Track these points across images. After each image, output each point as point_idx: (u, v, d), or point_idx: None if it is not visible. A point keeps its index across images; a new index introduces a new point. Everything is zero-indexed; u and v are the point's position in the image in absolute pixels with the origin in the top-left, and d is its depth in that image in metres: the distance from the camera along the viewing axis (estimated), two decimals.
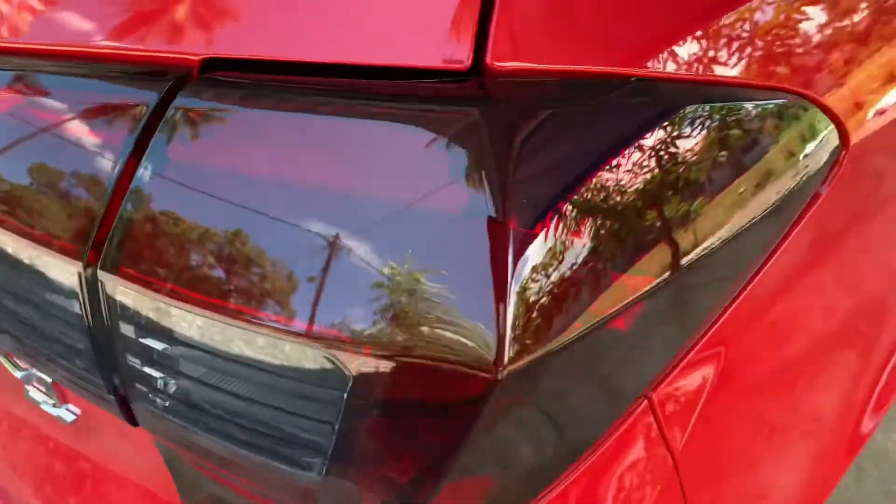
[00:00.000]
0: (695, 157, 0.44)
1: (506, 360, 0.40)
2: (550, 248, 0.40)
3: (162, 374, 0.48)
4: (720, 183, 0.46)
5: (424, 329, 0.40)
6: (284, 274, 0.42)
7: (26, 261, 0.50)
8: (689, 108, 0.44)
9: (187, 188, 0.43)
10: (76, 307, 0.49)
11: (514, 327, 0.39)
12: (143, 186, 0.44)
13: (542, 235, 0.40)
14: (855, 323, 0.79)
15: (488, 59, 0.40)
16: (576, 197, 0.40)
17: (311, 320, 0.41)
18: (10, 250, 0.50)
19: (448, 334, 0.40)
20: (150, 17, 0.46)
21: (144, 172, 0.44)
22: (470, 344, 0.40)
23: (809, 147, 0.53)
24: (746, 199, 0.49)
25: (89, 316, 0.48)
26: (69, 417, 0.68)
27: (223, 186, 0.42)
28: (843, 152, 0.56)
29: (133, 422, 0.55)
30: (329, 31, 0.43)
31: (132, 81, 0.45)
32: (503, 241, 0.39)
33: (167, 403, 0.49)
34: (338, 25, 0.43)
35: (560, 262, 0.41)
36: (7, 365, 0.67)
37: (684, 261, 0.46)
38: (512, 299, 0.39)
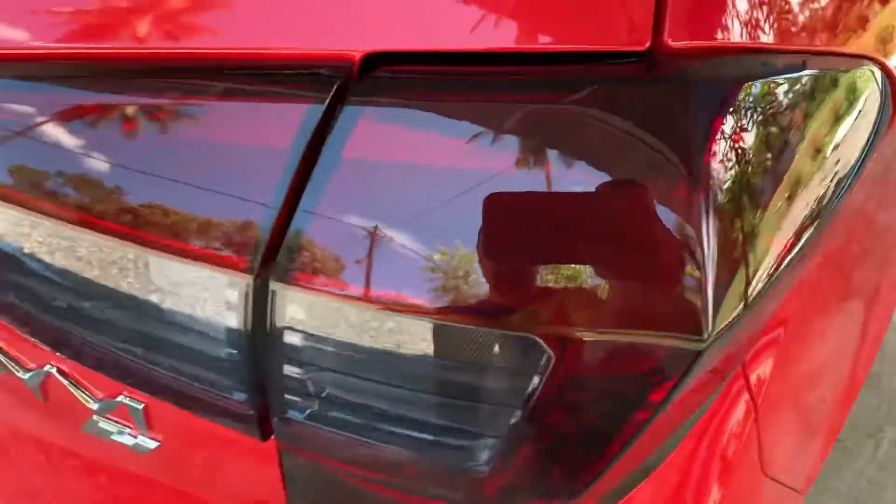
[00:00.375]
0: (835, 121, 0.48)
1: (710, 329, 0.41)
2: (736, 218, 0.42)
3: (331, 382, 0.47)
4: (848, 144, 0.50)
5: (624, 304, 0.42)
6: (476, 261, 0.42)
7: (176, 281, 0.47)
8: (819, 76, 0.48)
9: (366, 189, 0.42)
10: (235, 321, 0.47)
11: (713, 297, 0.41)
12: (319, 191, 0.42)
13: (729, 206, 0.42)
14: (866, 284, 0.87)
15: (665, 39, 0.42)
16: (756, 167, 0.43)
17: (510, 307, 0.42)
18: (159, 272, 0.48)
19: (649, 308, 0.42)
20: (302, 14, 0.44)
21: (319, 177, 0.42)
22: (673, 316, 0.41)
23: (879, 107, 0.57)
24: (849, 157, 0.53)
25: (250, 329, 0.46)
26: (151, 445, 0.64)
27: (410, 183, 0.42)
28: None
29: (265, 436, 0.53)
30: (496, 19, 0.43)
31: (290, 81, 0.44)
32: (696, 212, 0.40)
33: (331, 412, 0.48)
34: (505, 13, 0.43)
35: (744, 231, 0.43)
36: (81, 396, 0.63)
37: (818, 221, 0.50)
38: (710, 270, 0.41)
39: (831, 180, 0.49)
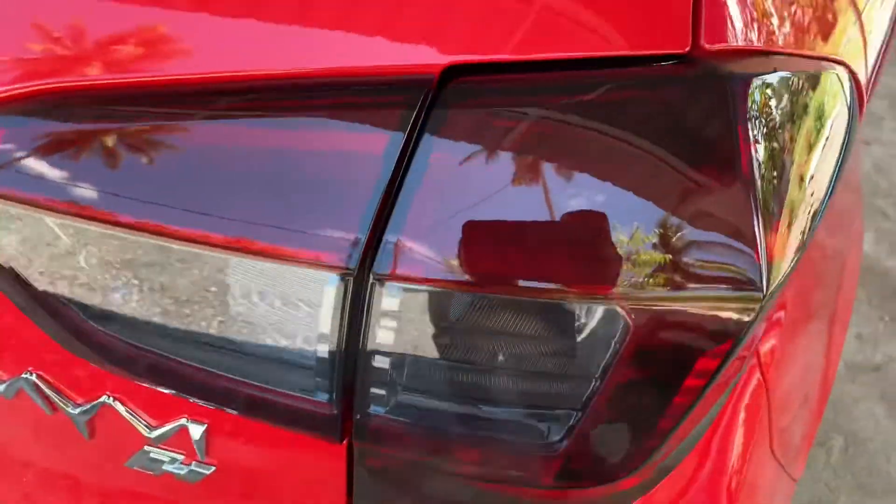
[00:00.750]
0: (832, 111, 0.56)
1: (766, 286, 0.48)
2: (774, 193, 0.49)
3: (421, 373, 0.51)
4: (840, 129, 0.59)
5: (695, 271, 0.47)
6: (565, 239, 0.47)
7: (270, 284, 0.50)
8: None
9: (456, 187, 0.47)
10: (329, 320, 0.50)
11: (766, 258, 0.48)
12: (413, 191, 0.47)
13: (767, 182, 0.49)
14: (827, 302, 0.97)
15: (702, 42, 0.49)
16: (794, 148, 0.50)
17: (597, 281, 0.47)
18: (251, 276, 0.50)
19: (716, 272, 0.47)
20: (387, 34, 0.49)
21: (412, 179, 0.47)
22: (739, 275, 0.47)
23: (848, 104, 0.66)
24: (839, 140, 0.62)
25: (346, 327, 0.49)
26: (206, 471, 0.65)
27: (496, 178, 0.47)
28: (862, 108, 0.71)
29: (340, 437, 0.56)
30: (558, 31, 0.49)
31: (380, 94, 0.48)
32: (749, 191, 0.47)
33: (419, 404, 0.52)
34: (564, 25, 0.49)
35: (781, 204, 0.50)
36: (137, 425, 0.63)
37: (826, 196, 0.58)
38: (761, 235, 0.47)
39: (831, 157, 0.57)
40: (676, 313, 0.48)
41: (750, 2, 0.53)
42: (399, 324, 0.49)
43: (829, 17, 0.63)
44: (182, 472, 0.66)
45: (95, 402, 0.63)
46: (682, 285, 0.47)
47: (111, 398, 0.62)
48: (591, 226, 0.47)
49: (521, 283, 0.47)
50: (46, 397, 0.65)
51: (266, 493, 0.67)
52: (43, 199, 0.51)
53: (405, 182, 0.47)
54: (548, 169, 0.47)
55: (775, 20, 0.55)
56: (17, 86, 0.53)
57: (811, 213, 0.55)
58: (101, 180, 0.50)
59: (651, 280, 0.47)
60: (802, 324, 0.86)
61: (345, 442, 0.57)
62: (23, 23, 0.54)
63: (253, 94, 0.49)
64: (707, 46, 0.49)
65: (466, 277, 0.47)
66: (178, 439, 0.63)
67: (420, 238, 0.47)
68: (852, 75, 0.67)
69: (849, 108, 0.65)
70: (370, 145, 0.48)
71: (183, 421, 0.61)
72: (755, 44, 0.52)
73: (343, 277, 0.48)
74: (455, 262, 0.47)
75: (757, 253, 0.47)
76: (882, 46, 0.92)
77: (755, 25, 0.53)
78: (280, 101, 0.49)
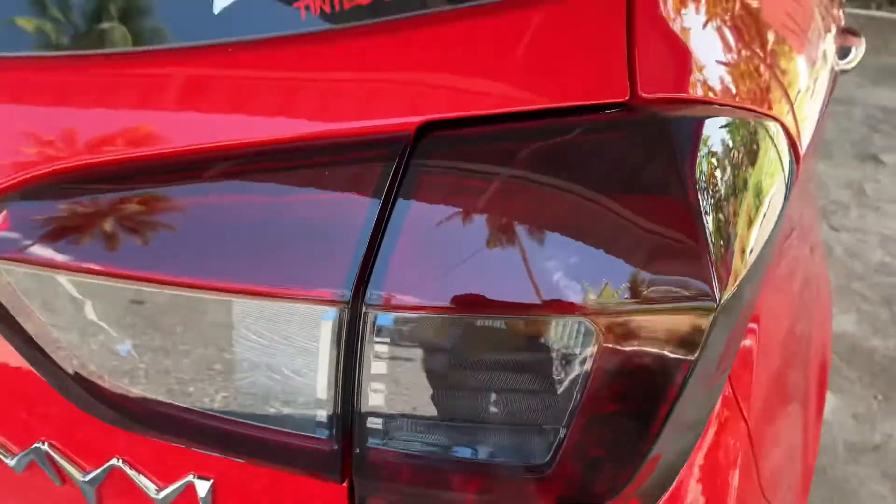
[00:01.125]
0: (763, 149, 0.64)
1: (719, 296, 0.53)
2: (724, 217, 0.56)
3: (417, 402, 0.55)
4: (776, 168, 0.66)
5: (650, 285, 0.53)
6: (532, 260, 0.52)
7: (265, 323, 0.55)
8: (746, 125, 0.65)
9: (437, 226, 0.53)
10: (325, 354, 0.54)
11: (717, 270, 0.53)
12: (397, 230, 0.53)
13: (712, 207, 0.55)
14: (799, 383, 1.02)
15: (639, 91, 0.56)
16: (730, 181, 0.57)
17: (561, 300, 0.52)
18: (248, 317, 0.55)
19: (671, 279, 0.53)
20: (361, 95, 0.57)
21: (395, 221, 0.53)
22: (691, 284, 0.52)
23: (785, 157, 0.74)
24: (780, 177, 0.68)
25: (342, 360, 0.54)
26: None
27: (473, 217, 0.53)
28: (798, 164, 0.78)
29: (341, 477, 0.59)
30: (514, 87, 0.57)
31: (366, 150, 0.55)
32: (696, 213, 0.53)
33: (418, 434, 0.55)
34: (518, 82, 0.57)
35: (725, 228, 0.56)
36: (145, 487, 0.66)
37: (774, 221, 0.64)
38: (712, 250, 0.53)
39: (774, 190, 0.64)
40: (641, 326, 0.53)
41: (681, 56, 0.61)
42: (390, 354, 0.54)
43: (766, 77, 0.72)
44: None
45: (105, 467, 0.66)
46: (643, 300, 0.53)
47: (120, 461, 0.65)
48: (563, 255, 0.52)
49: (501, 306, 0.52)
50: (57, 467, 0.67)
51: None
52: (53, 261, 0.57)
53: (390, 224, 0.53)
54: (517, 207, 0.53)
55: (709, 72, 0.63)
56: (19, 174, 0.61)
57: (757, 235, 0.61)
58: (117, 241, 0.56)
59: (616, 296, 0.52)
60: (778, 398, 0.90)
61: (345, 483, 0.60)
62: (17, 129, 0.62)
63: (247, 160, 0.56)
64: (644, 95, 0.57)
65: (452, 304, 0.52)
66: (185, 499, 0.66)
67: (407, 269, 0.52)
68: (786, 132, 0.75)
69: (785, 154, 0.73)
70: (358, 194, 0.54)
71: (190, 478, 0.64)
72: (691, 93, 0.60)
73: (339, 311, 0.53)
74: (441, 289, 0.52)
75: (709, 269, 0.53)
76: (817, 121, 1.02)
77: (689, 77, 0.61)
78: (271, 163, 0.56)
